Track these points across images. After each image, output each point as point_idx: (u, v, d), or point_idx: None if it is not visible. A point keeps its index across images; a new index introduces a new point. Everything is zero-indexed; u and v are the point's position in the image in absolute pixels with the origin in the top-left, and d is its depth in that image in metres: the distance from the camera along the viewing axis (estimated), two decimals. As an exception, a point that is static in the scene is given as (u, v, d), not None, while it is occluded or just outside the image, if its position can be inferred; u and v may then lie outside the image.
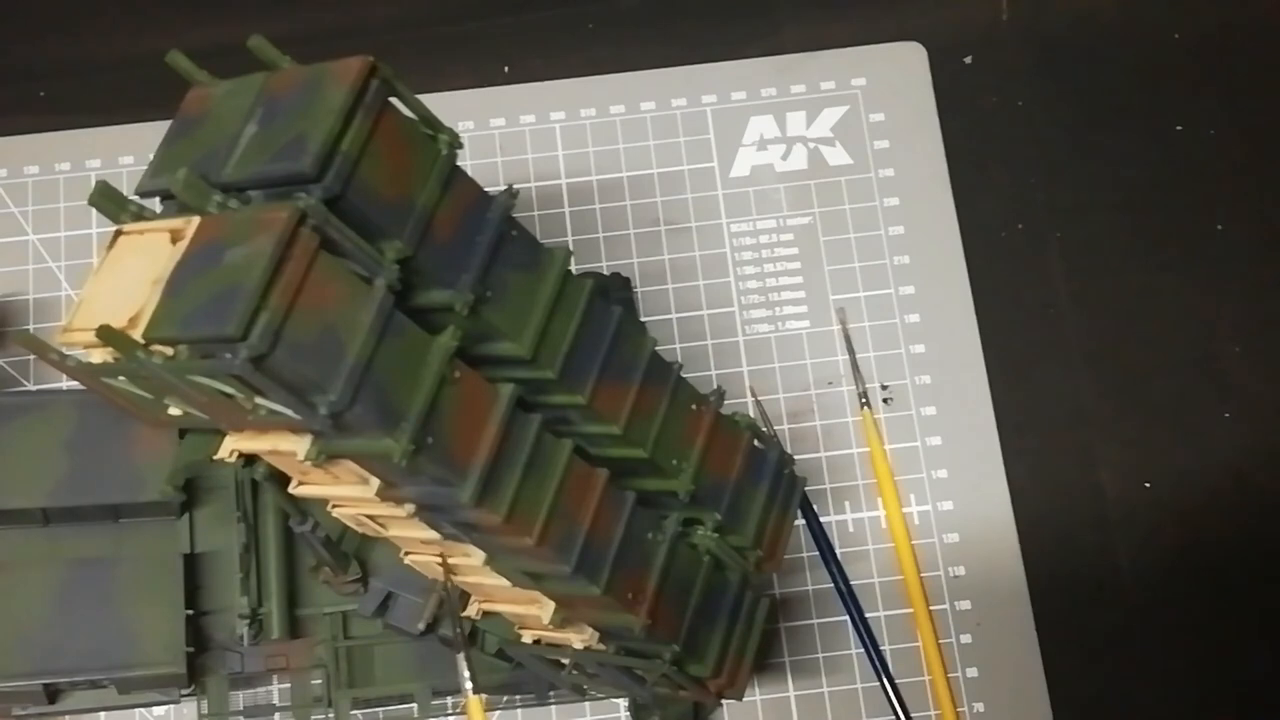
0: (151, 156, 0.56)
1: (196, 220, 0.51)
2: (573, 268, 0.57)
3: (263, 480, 0.66)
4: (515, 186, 0.56)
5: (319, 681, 0.70)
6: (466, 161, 0.56)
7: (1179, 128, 0.85)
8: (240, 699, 0.72)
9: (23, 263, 0.80)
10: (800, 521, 0.76)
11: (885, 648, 0.74)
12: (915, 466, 0.78)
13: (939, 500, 0.77)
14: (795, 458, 0.66)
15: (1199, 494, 0.78)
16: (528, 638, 0.65)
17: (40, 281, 0.80)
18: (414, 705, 0.70)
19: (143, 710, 0.73)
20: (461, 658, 0.60)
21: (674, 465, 0.60)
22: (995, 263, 0.82)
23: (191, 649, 0.67)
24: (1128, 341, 0.81)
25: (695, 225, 0.82)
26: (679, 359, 0.73)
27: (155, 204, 0.56)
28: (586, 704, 0.73)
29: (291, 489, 0.60)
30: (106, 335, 0.49)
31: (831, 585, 0.75)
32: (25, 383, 0.77)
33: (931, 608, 0.75)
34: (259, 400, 0.50)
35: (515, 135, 0.84)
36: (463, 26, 0.87)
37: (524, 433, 0.55)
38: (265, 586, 0.68)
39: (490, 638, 0.68)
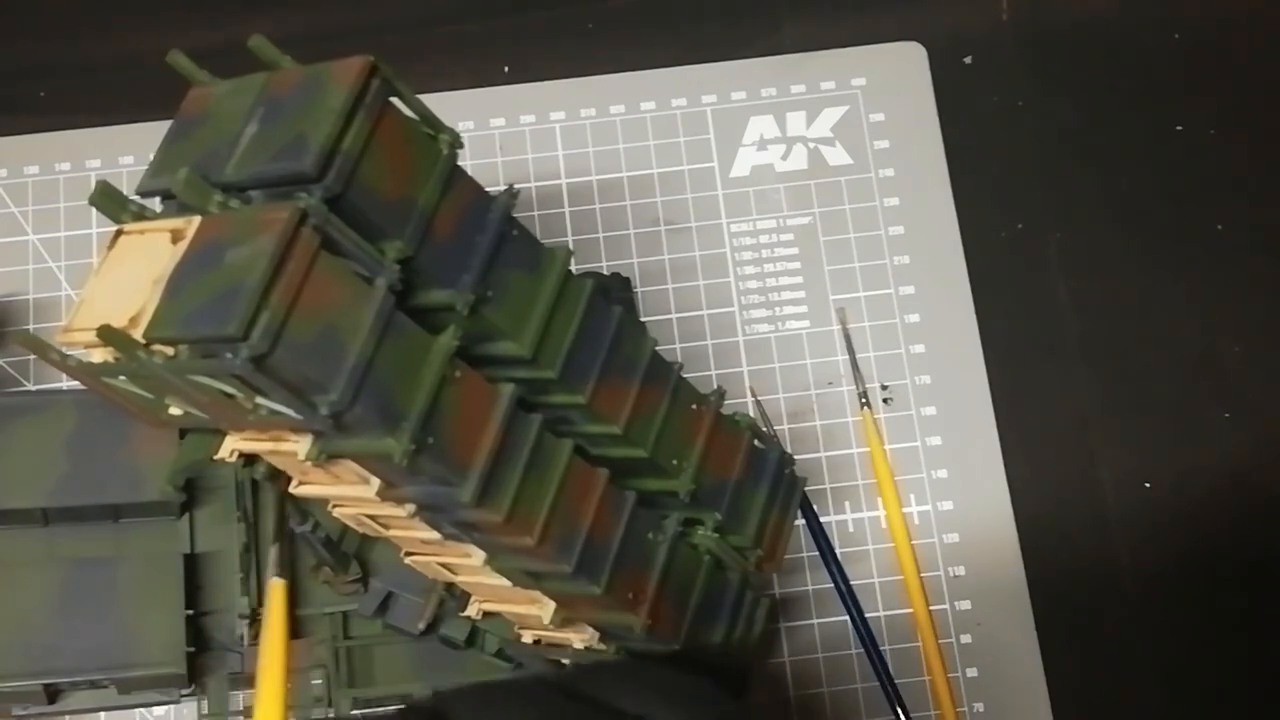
0: (151, 156, 0.56)
1: (197, 220, 0.51)
2: (573, 268, 0.58)
3: (263, 480, 0.66)
4: (516, 186, 0.56)
5: (319, 681, 0.70)
6: (466, 161, 0.55)
7: (1179, 128, 0.85)
8: (240, 699, 0.72)
9: (23, 263, 0.80)
10: (800, 521, 0.75)
11: (885, 648, 0.74)
12: (915, 466, 0.78)
13: (939, 500, 0.77)
14: (795, 458, 0.66)
15: (1199, 494, 0.78)
16: (528, 638, 0.65)
17: (40, 281, 0.80)
18: (414, 705, 0.70)
19: (143, 710, 0.73)
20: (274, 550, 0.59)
21: (674, 465, 0.60)
22: (995, 263, 0.82)
23: (191, 649, 0.67)
24: (1128, 341, 0.81)
25: (695, 225, 0.82)
26: (679, 359, 0.73)
27: (156, 204, 0.56)
28: (587, 704, 0.73)
29: (292, 489, 0.60)
30: (107, 335, 0.49)
31: (831, 585, 0.75)
32: (25, 383, 0.77)
33: (931, 608, 0.75)
34: (260, 400, 0.50)
35: (515, 135, 0.84)
36: (463, 26, 0.87)
37: (524, 432, 0.55)
38: (265, 586, 0.68)
39: (490, 638, 0.68)
